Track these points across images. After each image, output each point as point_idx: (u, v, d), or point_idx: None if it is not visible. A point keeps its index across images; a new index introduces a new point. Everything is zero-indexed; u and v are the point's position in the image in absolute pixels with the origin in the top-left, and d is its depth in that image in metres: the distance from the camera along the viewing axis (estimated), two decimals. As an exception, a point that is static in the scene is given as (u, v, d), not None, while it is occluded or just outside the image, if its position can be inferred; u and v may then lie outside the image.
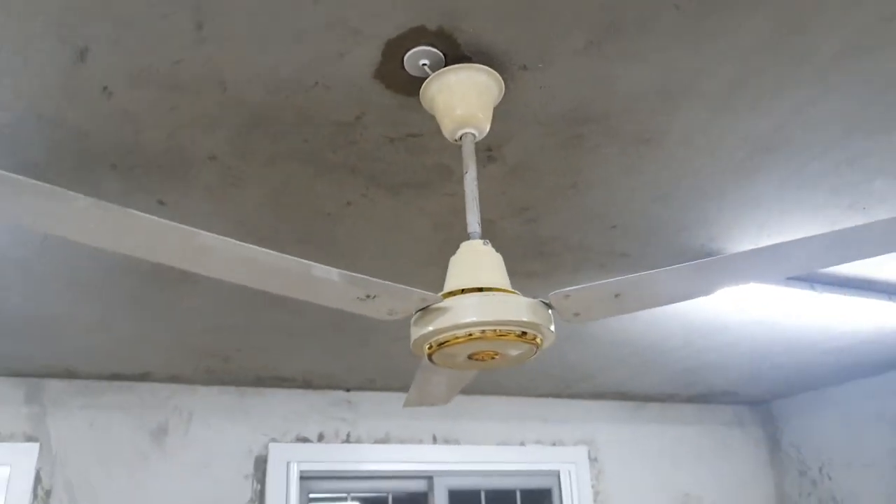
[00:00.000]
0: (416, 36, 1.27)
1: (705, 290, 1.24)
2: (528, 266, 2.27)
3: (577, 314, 1.24)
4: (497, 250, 1.30)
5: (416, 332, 1.18)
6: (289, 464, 3.44)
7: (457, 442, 3.83)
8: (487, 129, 1.37)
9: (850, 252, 1.16)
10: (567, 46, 1.32)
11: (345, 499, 3.64)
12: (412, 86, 1.39)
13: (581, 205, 1.92)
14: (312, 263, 1.01)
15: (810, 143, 1.70)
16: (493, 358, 1.25)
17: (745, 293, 2.51)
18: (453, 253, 1.29)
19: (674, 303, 1.31)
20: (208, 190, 1.73)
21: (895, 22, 1.31)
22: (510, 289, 1.21)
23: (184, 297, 2.35)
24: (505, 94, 1.41)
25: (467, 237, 1.30)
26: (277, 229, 1.94)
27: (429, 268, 2.21)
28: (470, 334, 1.14)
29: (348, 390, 3.73)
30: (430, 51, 1.30)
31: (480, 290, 1.18)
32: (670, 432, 4.37)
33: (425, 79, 1.35)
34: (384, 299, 1.13)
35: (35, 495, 2.97)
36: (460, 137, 1.35)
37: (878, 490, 3.97)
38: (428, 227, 1.98)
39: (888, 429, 3.90)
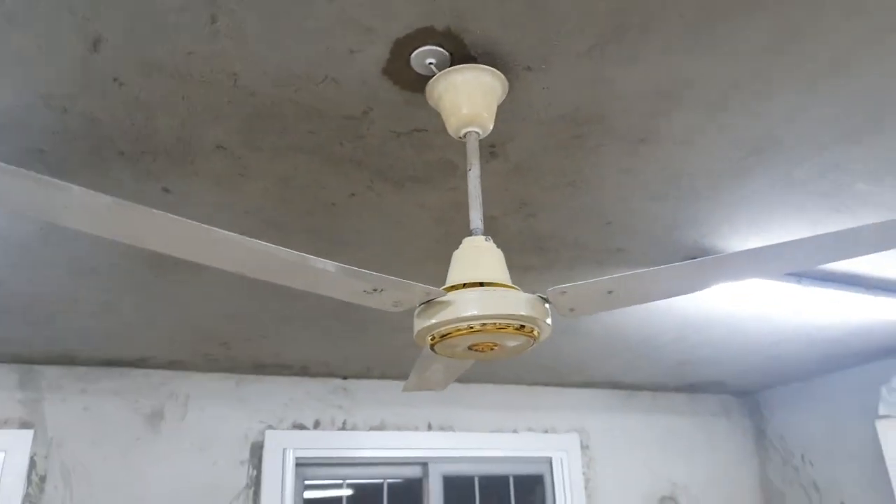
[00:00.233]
0: (425, 36, 1.31)
1: (692, 289, 1.29)
2: (526, 260, 2.32)
3: (572, 309, 1.29)
4: (497, 245, 1.34)
5: (420, 324, 1.22)
6: (285, 450, 3.49)
7: (451, 429, 3.89)
8: (491, 127, 1.41)
9: (829, 256, 1.21)
10: (571, 49, 1.36)
11: (340, 485, 3.69)
12: (418, 83, 1.42)
13: (579, 202, 1.96)
14: (327, 261, 1.05)
15: (799, 148, 1.75)
16: (492, 349, 1.29)
17: (737, 287, 2.56)
18: (454, 245, 1.34)
19: (662, 299, 1.37)
20: (215, 178, 1.76)
21: (888, 34, 1.36)
22: (510, 284, 1.26)
23: (186, 282, 2.38)
24: (509, 93, 1.46)
25: (468, 231, 1.34)
26: (282, 218, 1.97)
27: (430, 259, 2.26)
28: (471, 327, 1.19)
29: (345, 378, 3.77)
30: (436, 50, 1.34)
31: (481, 284, 1.22)
32: (660, 421, 4.46)
33: (431, 77, 1.39)
34: (390, 292, 1.17)
35: (29, 481, 2.99)
36: (465, 135, 1.39)
37: (857, 477, 4.07)
38: (430, 221, 2.02)
39: (868, 418, 4.00)
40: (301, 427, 3.58)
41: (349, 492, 3.69)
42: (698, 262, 1.19)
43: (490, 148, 1.68)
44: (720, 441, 4.61)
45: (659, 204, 2.00)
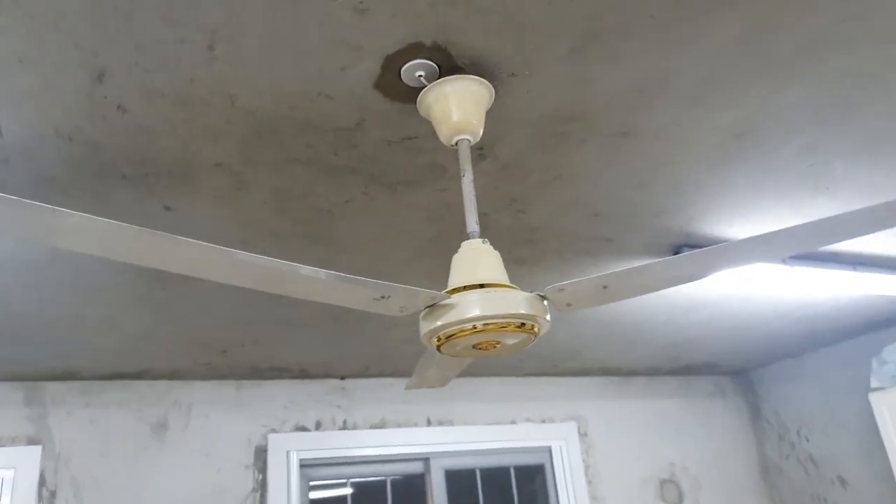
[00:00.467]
0: (414, 50, 1.37)
1: (685, 280, 1.36)
2: (518, 253, 2.38)
3: (569, 304, 1.36)
4: (490, 240, 1.41)
5: (426, 327, 1.29)
6: (288, 453, 3.53)
7: (451, 423, 3.95)
8: (481, 133, 1.47)
9: (821, 241, 1.27)
10: (551, 54, 1.43)
11: (344, 484, 3.74)
12: (409, 95, 1.49)
13: (566, 195, 2.03)
14: (338, 273, 1.11)
15: (776, 132, 1.83)
16: (494, 347, 1.36)
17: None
18: (445, 243, 1.40)
19: (654, 291, 1.43)
20: (215, 194, 1.81)
21: (847, 23, 1.44)
22: (509, 283, 1.32)
23: (184, 294, 2.43)
24: (495, 99, 1.52)
25: (459, 230, 1.40)
26: (281, 227, 2.03)
27: (423, 257, 2.32)
28: (474, 327, 1.26)
29: (343, 378, 3.82)
30: (425, 63, 1.40)
31: (482, 286, 1.29)
32: (655, 405, 4.54)
33: (421, 88, 1.45)
34: (396, 299, 1.23)
35: (40, 496, 3.03)
36: (456, 143, 1.45)
37: (851, 449, 4.18)
38: (422, 221, 2.08)
39: (861, 391, 4.10)
40: (303, 429, 3.63)
41: (353, 490, 3.75)
42: (690, 254, 1.26)
43: (478, 150, 1.75)
44: (716, 421, 4.69)
45: (644, 194, 2.07)
